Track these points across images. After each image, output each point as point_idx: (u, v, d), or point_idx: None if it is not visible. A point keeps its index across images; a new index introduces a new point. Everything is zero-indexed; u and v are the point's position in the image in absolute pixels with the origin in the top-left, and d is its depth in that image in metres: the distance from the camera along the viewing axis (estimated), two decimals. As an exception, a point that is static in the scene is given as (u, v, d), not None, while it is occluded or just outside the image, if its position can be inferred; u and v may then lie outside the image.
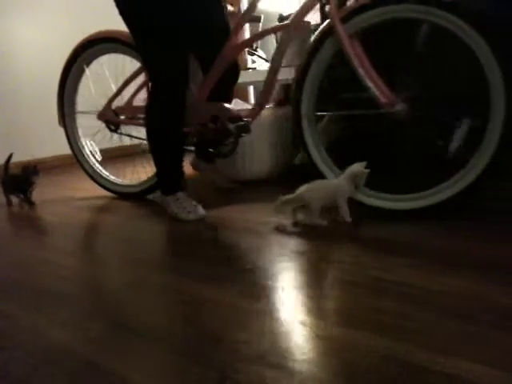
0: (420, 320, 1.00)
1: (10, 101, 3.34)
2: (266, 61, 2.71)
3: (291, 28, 1.83)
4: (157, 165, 2.01)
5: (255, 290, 1.20)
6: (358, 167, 1.65)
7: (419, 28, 1.86)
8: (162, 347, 0.97)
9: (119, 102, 2.29)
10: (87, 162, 2.48)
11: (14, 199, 2.39)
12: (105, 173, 2.47)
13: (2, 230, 2.01)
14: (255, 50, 2.71)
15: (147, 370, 0.90)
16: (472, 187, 1.58)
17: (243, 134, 2.04)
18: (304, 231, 1.64)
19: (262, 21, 2.46)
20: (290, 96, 2.08)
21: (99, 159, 2.49)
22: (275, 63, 1.90)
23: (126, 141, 2.36)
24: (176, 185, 2.00)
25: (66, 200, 2.44)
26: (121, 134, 2.32)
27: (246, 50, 2.76)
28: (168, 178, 2.02)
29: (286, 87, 2.82)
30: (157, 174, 2.03)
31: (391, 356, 0.87)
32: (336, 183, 1.67)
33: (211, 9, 1.98)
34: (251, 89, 3.42)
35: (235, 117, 2.02)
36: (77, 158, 2.49)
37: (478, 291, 1.11)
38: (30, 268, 1.50)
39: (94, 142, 2.48)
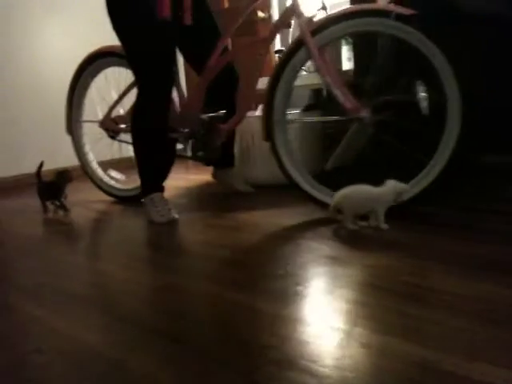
0: (449, 325, 0.97)
1: (39, 105, 3.37)
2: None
3: (268, 43, 1.97)
4: (139, 165, 2.07)
5: (285, 296, 1.19)
6: (402, 185, 1.63)
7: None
8: (190, 351, 0.97)
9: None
10: (90, 168, 2.62)
11: (50, 206, 2.44)
12: (106, 178, 2.60)
13: (37, 236, 2.05)
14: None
15: (175, 373, 0.90)
16: (433, 186, 1.66)
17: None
18: (335, 236, 1.62)
19: (292, 26, 2.47)
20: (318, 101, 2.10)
21: (123, 179, 2.58)
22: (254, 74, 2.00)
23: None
24: (154, 186, 2.06)
25: (99, 206, 2.48)
26: (120, 141, 2.44)
27: (276, 55, 2.77)
28: (147, 179, 2.08)
29: (316, 92, 2.81)
30: (139, 174, 2.09)
31: (423, 362, 0.85)
32: (378, 192, 1.62)
33: (197, 8, 2.01)
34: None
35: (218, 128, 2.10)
36: (81, 164, 2.64)
37: (506, 296, 1.07)
38: (62, 272, 1.53)
39: (114, 171, 2.61)
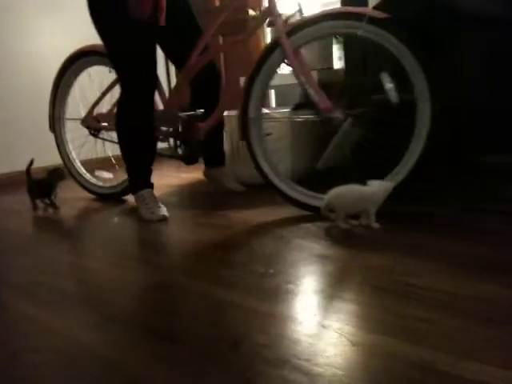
0: (445, 325, 0.97)
1: (34, 104, 3.35)
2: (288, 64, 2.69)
3: (247, 43, 2.02)
4: (126, 163, 2.11)
5: (277, 294, 1.19)
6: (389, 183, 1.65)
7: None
8: (182, 350, 0.97)
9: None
10: (72, 165, 2.66)
11: (40, 204, 2.42)
12: (88, 176, 2.63)
13: (28, 234, 2.04)
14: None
15: (168, 372, 0.90)
16: (402, 185, 1.69)
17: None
18: (327, 235, 1.63)
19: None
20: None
21: (111, 177, 2.61)
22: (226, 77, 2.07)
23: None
24: (142, 183, 2.09)
25: (89, 203, 2.46)
26: (101, 139, 2.48)
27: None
28: (135, 176, 2.11)
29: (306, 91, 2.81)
30: (127, 172, 2.13)
31: (415, 361, 0.86)
32: (370, 192, 1.63)
33: (175, 8, 2.03)
34: (272, 93, 3.41)
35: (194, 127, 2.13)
36: (64, 161, 2.68)
37: (503, 296, 1.08)
38: (56, 271, 1.52)
39: (101, 171, 2.65)
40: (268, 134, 1.96)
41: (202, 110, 2.16)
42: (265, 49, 1.90)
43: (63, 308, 1.23)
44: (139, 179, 2.11)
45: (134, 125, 2.05)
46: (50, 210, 2.34)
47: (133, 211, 2.15)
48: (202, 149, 2.25)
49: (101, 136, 2.48)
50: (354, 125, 2.10)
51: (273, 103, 3.40)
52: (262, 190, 2.14)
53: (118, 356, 0.97)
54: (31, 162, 2.41)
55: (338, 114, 1.76)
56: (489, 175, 2.09)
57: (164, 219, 1.96)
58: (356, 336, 0.96)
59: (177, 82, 2.15)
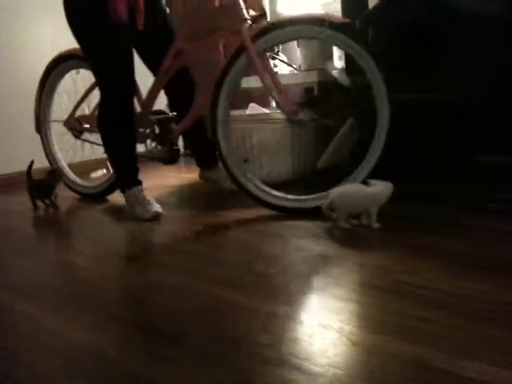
0: (443, 324, 0.98)
1: (32, 103, 3.35)
2: (289, 65, 2.70)
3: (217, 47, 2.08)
4: (112, 163, 2.18)
5: (278, 294, 1.19)
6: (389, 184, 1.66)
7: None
8: (181, 349, 0.97)
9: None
10: (58, 166, 2.68)
11: (40, 204, 2.42)
12: (72, 176, 2.66)
13: (28, 234, 2.04)
14: (277, 54, 2.70)
15: (167, 371, 0.90)
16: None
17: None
18: (327, 235, 1.63)
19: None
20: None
21: (105, 172, 2.64)
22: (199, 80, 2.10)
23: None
24: (130, 181, 2.13)
25: (89, 204, 2.46)
26: (84, 140, 2.52)
27: (268, 53, 2.77)
28: (123, 175, 2.16)
29: (307, 91, 2.81)
30: (114, 173, 2.19)
31: (414, 360, 0.86)
32: (373, 192, 1.63)
33: (151, 12, 2.04)
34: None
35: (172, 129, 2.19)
36: (49, 162, 2.71)
37: (499, 295, 1.08)
38: (55, 271, 1.52)
39: (95, 171, 2.71)
40: (245, 160, 2.01)
41: (175, 113, 2.23)
42: (231, 53, 1.94)
43: (62, 308, 1.23)
44: (127, 178, 2.15)
45: (116, 126, 2.10)
46: (51, 210, 2.35)
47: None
48: (174, 150, 2.30)
49: (83, 137, 2.53)
50: (353, 126, 2.11)
51: (273, 104, 3.40)
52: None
53: (116, 355, 0.97)
54: (31, 164, 2.41)
55: (302, 116, 1.80)
56: (487, 175, 2.08)
57: (157, 215, 1.98)
58: (356, 335, 0.96)
59: (152, 86, 2.20)
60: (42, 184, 2.39)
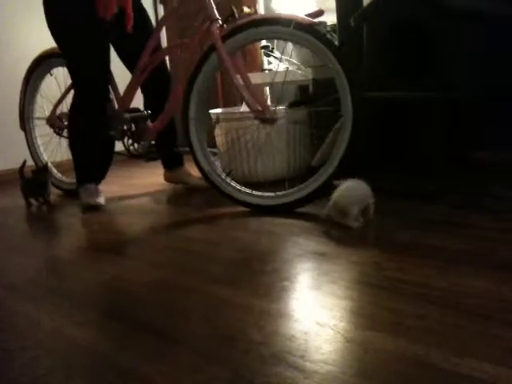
0: (438, 321, 0.98)
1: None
2: (284, 61, 2.69)
3: (186, 46, 2.08)
4: (74, 158, 2.25)
5: (273, 291, 1.19)
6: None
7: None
8: (177, 346, 0.97)
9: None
10: (41, 162, 2.78)
11: (33, 201, 2.42)
12: (55, 171, 2.72)
13: (23, 232, 2.03)
14: (271, 51, 2.70)
15: (163, 368, 0.90)
16: (323, 187, 1.77)
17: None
18: (322, 232, 1.63)
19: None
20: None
21: None
22: (176, 79, 2.11)
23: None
24: (88, 177, 2.24)
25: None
26: (65, 137, 2.56)
27: (262, 51, 2.77)
28: (82, 171, 2.25)
29: (302, 89, 2.81)
30: (74, 166, 2.28)
31: (409, 357, 0.86)
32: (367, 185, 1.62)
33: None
34: (267, 90, 3.41)
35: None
36: (33, 158, 2.80)
37: (494, 292, 1.08)
38: (50, 269, 1.51)
39: None
40: (229, 172, 2.04)
41: (149, 112, 2.28)
42: (202, 53, 1.97)
43: (58, 306, 1.22)
44: (87, 173, 2.25)
45: (84, 125, 2.17)
46: (44, 208, 2.34)
47: (124, 208, 2.15)
48: (159, 151, 2.38)
49: (64, 135, 2.58)
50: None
51: (268, 101, 3.40)
52: (259, 188, 2.15)
53: (113, 353, 0.97)
54: (24, 164, 2.43)
55: (271, 115, 1.83)
56: (482, 172, 2.09)
57: (98, 205, 2.14)
58: (351, 333, 0.96)
59: (129, 84, 2.22)
60: (34, 182, 2.39)
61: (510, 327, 0.93)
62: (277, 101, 3.17)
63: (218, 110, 2.53)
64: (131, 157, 2.36)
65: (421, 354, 0.86)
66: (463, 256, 1.31)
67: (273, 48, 2.74)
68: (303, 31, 1.74)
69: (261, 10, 3.36)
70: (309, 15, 2.25)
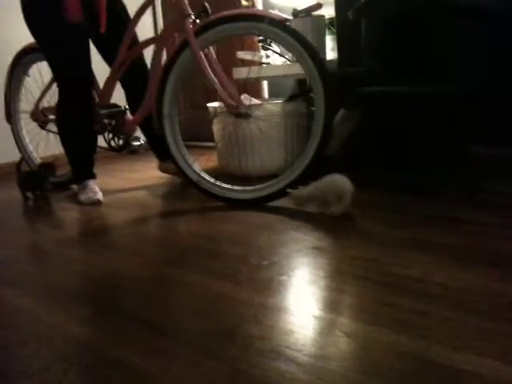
0: (437, 316, 0.98)
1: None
2: (281, 55, 2.68)
3: (161, 41, 2.08)
4: (68, 156, 2.29)
5: (270, 285, 1.19)
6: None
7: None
8: (175, 341, 0.97)
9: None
10: (29, 157, 2.81)
11: (30, 195, 2.41)
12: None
13: (20, 226, 2.02)
14: (269, 45, 2.69)
15: (161, 363, 0.90)
16: (297, 181, 1.81)
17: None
18: (320, 227, 1.63)
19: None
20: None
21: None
22: (152, 70, 2.11)
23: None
24: (85, 173, 2.30)
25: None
26: (48, 131, 2.61)
27: (260, 44, 2.75)
28: (79, 168, 2.31)
29: (300, 82, 2.80)
30: (70, 164, 2.32)
31: (407, 352, 0.86)
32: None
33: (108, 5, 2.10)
34: (265, 84, 3.40)
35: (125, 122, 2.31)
36: (20, 150, 2.82)
37: (495, 287, 1.09)
38: (48, 263, 1.51)
39: None
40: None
41: (126, 106, 2.32)
42: (174, 48, 1.97)
43: (54, 301, 1.22)
44: (83, 170, 2.30)
45: (72, 122, 2.19)
46: (41, 203, 2.33)
47: (122, 202, 2.15)
48: (150, 143, 2.42)
49: (48, 128, 2.61)
50: (345, 116, 2.11)
51: (265, 94, 3.39)
52: (256, 183, 2.14)
53: (110, 348, 0.97)
54: (21, 160, 2.45)
55: (244, 110, 1.84)
56: (482, 168, 2.09)
57: (98, 202, 2.18)
58: (349, 327, 0.96)
59: (108, 78, 2.23)
60: (32, 175, 2.39)
61: (510, 323, 0.93)
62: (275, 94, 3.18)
63: (216, 104, 2.51)
64: (112, 150, 2.40)
65: (419, 349, 0.87)
66: (463, 252, 1.31)
67: (271, 42, 2.72)
68: (276, 27, 1.76)
69: (258, 2, 3.34)
70: (307, 8, 2.25)
